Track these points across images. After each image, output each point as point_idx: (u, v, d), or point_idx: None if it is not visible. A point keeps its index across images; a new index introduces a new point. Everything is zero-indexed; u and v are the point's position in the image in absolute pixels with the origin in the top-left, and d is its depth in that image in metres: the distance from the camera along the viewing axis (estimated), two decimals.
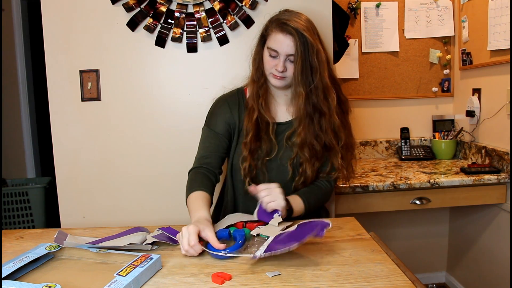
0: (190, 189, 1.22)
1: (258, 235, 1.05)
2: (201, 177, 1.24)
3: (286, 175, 1.28)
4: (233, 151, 1.30)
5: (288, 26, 1.16)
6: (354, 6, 2.23)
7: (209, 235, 0.97)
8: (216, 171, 1.29)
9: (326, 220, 1.00)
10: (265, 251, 0.90)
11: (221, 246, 0.95)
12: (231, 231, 1.04)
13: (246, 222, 1.13)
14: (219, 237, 1.02)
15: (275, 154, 1.27)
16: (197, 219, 1.06)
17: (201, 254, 0.98)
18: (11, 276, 0.84)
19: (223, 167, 1.34)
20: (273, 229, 1.07)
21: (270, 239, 0.98)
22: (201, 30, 1.54)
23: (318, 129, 1.25)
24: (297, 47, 1.16)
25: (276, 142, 1.26)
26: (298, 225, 1.04)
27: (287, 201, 1.14)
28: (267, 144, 1.26)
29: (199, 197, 1.18)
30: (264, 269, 0.90)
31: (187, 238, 0.96)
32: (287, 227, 1.09)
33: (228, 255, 0.94)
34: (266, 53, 1.22)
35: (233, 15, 1.53)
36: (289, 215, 1.16)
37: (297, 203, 1.20)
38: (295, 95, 1.23)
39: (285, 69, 1.20)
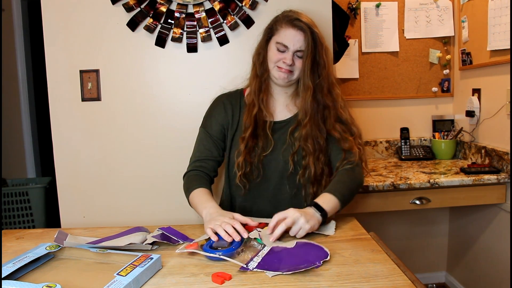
0: (189, 189, 1.24)
1: (255, 239, 1.03)
2: (197, 178, 1.27)
3: (287, 171, 1.28)
4: (229, 147, 1.31)
5: (300, 22, 1.19)
6: (354, 6, 2.23)
7: (241, 218, 1.07)
8: (211, 174, 1.31)
9: (325, 249, 0.97)
10: (257, 267, 0.90)
11: (254, 223, 1.07)
12: None
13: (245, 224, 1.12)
14: (218, 237, 1.02)
15: (276, 150, 1.27)
16: (213, 211, 1.11)
17: (201, 254, 0.98)
18: (11, 276, 0.84)
19: (218, 169, 1.35)
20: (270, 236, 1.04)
21: (265, 250, 0.98)
22: (201, 30, 1.54)
23: (322, 122, 1.26)
24: (308, 43, 1.19)
25: (272, 139, 1.27)
26: (296, 242, 1.02)
27: (317, 207, 1.10)
28: (263, 141, 1.27)
29: (202, 192, 1.21)
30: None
31: (231, 226, 1.01)
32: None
33: (221, 257, 0.94)
34: (273, 47, 1.23)
35: (233, 15, 1.53)
36: (324, 217, 1.10)
37: (327, 200, 1.13)
38: (303, 89, 1.25)
39: (293, 63, 1.22)
